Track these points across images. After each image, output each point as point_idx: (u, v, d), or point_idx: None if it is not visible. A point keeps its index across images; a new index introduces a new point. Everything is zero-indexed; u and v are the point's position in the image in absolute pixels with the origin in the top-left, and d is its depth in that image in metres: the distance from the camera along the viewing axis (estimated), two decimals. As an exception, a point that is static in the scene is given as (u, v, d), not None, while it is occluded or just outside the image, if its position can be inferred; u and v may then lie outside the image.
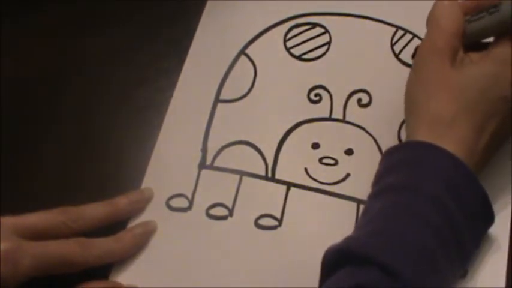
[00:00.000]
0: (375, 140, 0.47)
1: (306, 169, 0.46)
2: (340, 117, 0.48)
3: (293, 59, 0.50)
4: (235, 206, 0.45)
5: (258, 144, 0.47)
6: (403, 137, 0.46)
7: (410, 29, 0.50)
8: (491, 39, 0.41)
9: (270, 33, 0.52)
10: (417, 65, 0.42)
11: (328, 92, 0.49)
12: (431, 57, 0.41)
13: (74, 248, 0.40)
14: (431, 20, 0.43)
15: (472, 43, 0.42)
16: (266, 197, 0.46)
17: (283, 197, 0.45)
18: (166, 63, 0.51)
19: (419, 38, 0.50)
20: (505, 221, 0.42)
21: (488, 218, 0.39)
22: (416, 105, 0.41)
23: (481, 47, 0.42)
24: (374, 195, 0.39)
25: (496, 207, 0.39)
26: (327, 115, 0.48)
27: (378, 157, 0.46)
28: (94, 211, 0.43)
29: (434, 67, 0.40)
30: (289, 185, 0.46)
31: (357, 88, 0.49)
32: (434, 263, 0.35)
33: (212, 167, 0.47)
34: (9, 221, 0.40)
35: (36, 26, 0.54)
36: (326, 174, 0.46)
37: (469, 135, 0.39)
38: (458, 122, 0.39)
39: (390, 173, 0.39)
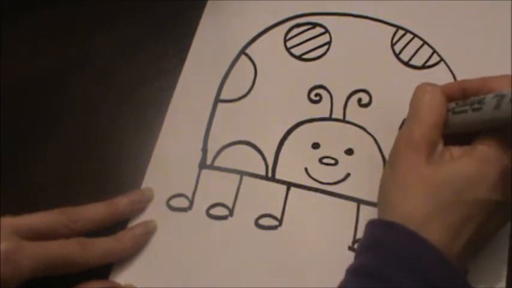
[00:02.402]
0: (375, 140, 0.47)
1: (306, 169, 0.46)
2: (341, 117, 0.48)
3: (293, 59, 0.50)
4: (236, 206, 0.45)
5: (258, 144, 0.47)
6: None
7: (411, 29, 0.50)
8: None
9: (270, 33, 0.52)
10: (392, 157, 0.40)
11: (329, 92, 0.49)
12: (407, 152, 0.39)
13: (74, 248, 0.40)
14: (411, 107, 0.40)
15: (454, 133, 0.39)
16: (266, 197, 0.46)
17: (284, 197, 0.45)
18: (167, 63, 0.51)
19: (419, 38, 0.50)
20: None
21: None
22: (389, 199, 0.39)
23: (464, 139, 0.39)
24: (352, 271, 0.38)
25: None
26: (327, 115, 0.48)
27: (378, 157, 0.46)
28: (94, 211, 0.43)
29: (409, 163, 0.38)
30: (289, 185, 0.46)
31: (357, 88, 0.49)
32: None
33: (212, 167, 0.47)
34: (9, 221, 0.40)
35: (36, 26, 0.54)
36: (326, 174, 0.46)
37: (441, 239, 0.36)
38: (431, 224, 0.36)
39: (368, 252, 0.38)
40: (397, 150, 0.40)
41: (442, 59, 0.49)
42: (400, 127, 0.46)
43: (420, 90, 0.40)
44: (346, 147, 0.47)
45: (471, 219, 0.37)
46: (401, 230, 0.37)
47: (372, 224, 0.39)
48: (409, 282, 0.35)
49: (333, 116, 0.48)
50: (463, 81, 0.41)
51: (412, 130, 0.39)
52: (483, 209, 0.37)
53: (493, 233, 0.40)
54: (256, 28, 0.52)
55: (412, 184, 0.38)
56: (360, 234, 0.44)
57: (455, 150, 0.39)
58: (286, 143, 0.47)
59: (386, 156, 0.46)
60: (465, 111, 0.38)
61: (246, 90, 0.50)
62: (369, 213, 0.44)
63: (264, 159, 0.47)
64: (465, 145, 0.39)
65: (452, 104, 0.40)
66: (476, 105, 0.38)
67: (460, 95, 0.40)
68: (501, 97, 0.36)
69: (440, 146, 0.39)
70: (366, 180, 0.45)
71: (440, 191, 0.37)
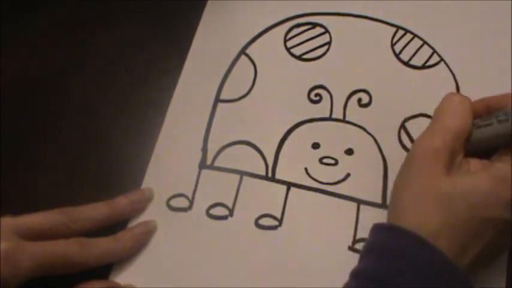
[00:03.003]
0: (375, 140, 0.47)
1: (306, 169, 0.46)
2: (341, 117, 0.48)
3: (293, 59, 0.50)
4: (236, 206, 0.45)
5: (258, 144, 0.47)
6: (403, 138, 0.46)
7: (411, 29, 0.50)
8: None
9: (270, 33, 0.52)
10: (410, 161, 0.39)
11: (329, 92, 0.49)
12: (426, 157, 0.38)
13: (74, 248, 0.40)
14: (436, 114, 0.39)
15: (475, 148, 0.39)
16: (266, 197, 0.46)
17: (284, 197, 0.45)
18: (167, 63, 0.51)
19: (419, 38, 0.50)
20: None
21: None
22: (401, 206, 0.38)
23: (484, 154, 0.38)
24: (356, 274, 0.38)
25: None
26: (327, 115, 0.48)
27: (378, 157, 0.46)
28: (94, 211, 0.43)
29: (426, 170, 0.37)
30: (289, 185, 0.46)
31: (357, 88, 0.49)
32: None
33: (212, 167, 0.47)
34: (9, 221, 0.40)
35: (36, 26, 0.54)
36: (326, 174, 0.46)
37: (450, 253, 0.35)
38: (441, 237, 0.35)
39: (372, 255, 0.38)
40: (416, 154, 0.39)
41: (442, 59, 0.49)
42: (400, 127, 0.46)
43: (448, 99, 0.40)
44: (346, 147, 0.46)
45: (481, 236, 0.36)
46: (406, 234, 0.36)
47: (376, 228, 0.39)
48: (412, 286, 0.35)
49: (333, 116, 0.48)
50: (486, 98, 0.40)
51: (434, 135, 0.38)
52: (494, 227, 0.36)
53: (501, 251, 0.39)
54: (256, 28, 0.52)
55: (427, 192, 0.37)
56: (360, 234, 0.44)
57: (474, 164, 0.38)
58: (286, 143, 0.47)
59: (387, 156, 0.46)
60: (490, 124, 0.38)
61: (246, 90, 0.50)
62: (369, 213, 0.44)
63: (264, 159, 0.47)
64: (484, 159, 0.38)
65: (477, 120, 0.39)
66: (502, 117, 0.37)
67: (485, 112, 0.40)
68: None
69: (460, 157, 0.38)
70: (366, 180, 0.45)
71: (455, 205, 0.36)
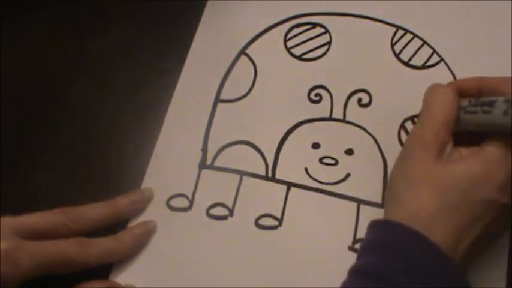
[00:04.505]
0: (375, 140, 0.47)
1: (306, 169, 0.46)
2: (341, 117, 0.48)
3: (293, 59, 0.50)
4: (236, 206, 0.45)
5: (258, 144, 0.47)
6: (403, 138, 0.46)
7: (411, 29, 0.50)
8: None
9: (270, 33, 0.52)
10: (403, 154, 0.40)
11: (329, 92, 0.49)
12: (418, 150, 0.39)
13: (74, 247, 0.40)
14: (423, 106, 0.41)
15: (465, 132, 0.39)
16: (266, 197, 0.46)
17: (284, 197, 0.45)
18: (167, 63, 0.51)
19: (419, 38, 0.50)
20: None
21: None
22: (397, 196, 0.39)
23: (474, 140, 0.39)
24: (354, 272, 0.38)
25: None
26: (327, 115, 0.48)
27: (378, 157, 0.46)
28: (94, 211, 0.43)
29: (419, 161, 0.38)
30: (289, 185, 0.46)
31: (357, 88, 0.49)
32: None
33: (212, 167, 0.47)
34: (9, 221, 0.40)
35: (36, 26, 0.54)
36: (326, 174, 0.46)
37: (447, 239, 0.36)
38: (437, 223, 0.36)
39: (369, 252, 0.38)
40: (408, 147, 0.40)
41: (442, 59, 0.49)
42: (400, 127, 0.47)
43: (432, 90, 0.41)
44: (346, 147, 0.47)
45: (477, 219, 0.37)
46: (402, 230, 0.37)
47: (373, 225, 0.39)
48: (409, 281, 0.35)
49: (333, 116, 0.48)
50: (481, 78, 0.41)
51: (424, 128, 0.39)
52: (489, 210, 0.37)
53: (498, 234, 0.40)
54: (256, 28, 0.52)
55: (420, 182, 0.38)
56: (360, 234, 0.44)
57: (464, 151, 0.39)
58: (286, 143, 0.47)
59: (387, 156, 0.46)
60: (475, 112, 0.38)
61: (246, 90, 0.50)
62: (369, 213, 0.44)
63: (264, 159, 0.47)
64: (474, 146, 0.39)
65: (465, 102, 0.39)
66: (486, 108, 0.37)
67: (476, 91, 0.40)
68: (511, 103, 0.36)
69: (450, 146, 0.39)
70: (366, 180, 0.45)
71: (448, 191, 0.37)
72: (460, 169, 0.37)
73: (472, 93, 0.40)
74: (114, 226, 0.44)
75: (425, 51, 0.49)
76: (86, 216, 0.42)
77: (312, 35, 0.51)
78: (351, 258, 0.40)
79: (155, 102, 0.50)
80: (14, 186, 0.47)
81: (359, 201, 0.45)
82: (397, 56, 0.49)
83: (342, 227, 0.44)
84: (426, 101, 0.41)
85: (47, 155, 0.49)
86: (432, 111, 0.39)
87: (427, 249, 0.36)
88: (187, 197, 0.46)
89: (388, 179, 0.41)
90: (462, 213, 0.36)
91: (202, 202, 0.46)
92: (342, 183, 0.46)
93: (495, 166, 0.37)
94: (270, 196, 0.46)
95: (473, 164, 0.37)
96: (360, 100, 0.48)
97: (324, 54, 0.50)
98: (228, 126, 0.48)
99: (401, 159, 0.40)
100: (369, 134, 0.47)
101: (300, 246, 0.44)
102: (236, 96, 0.49)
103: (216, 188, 0.46)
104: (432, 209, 0.37)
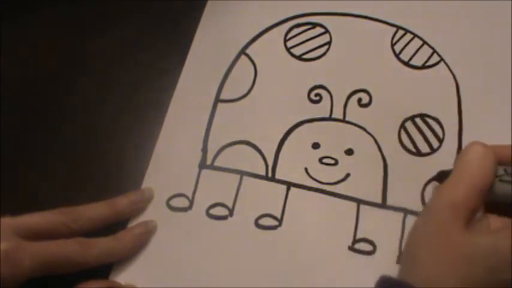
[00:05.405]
0: (375, 140, 0.47)
1: (306, 169, 0.46)
2: (341, 117, 0.48)
3: (293, 59, 0.50)
4: (236, 206, 0.45)
5: (258, 144, 0.47)
6: (403, 138, 0.46)
7: (411, 29, 0.50)
8: None
9: (270, 33, 0.52)
10: (428, 212, 0.37)
11: (329, 92, 0.49)
12: (445, 212, 0.36)
13: (74, 247, 0.40)
14: (458, 163, 0.37)
15: (495, 201, 0.37)
16: (266, 197, 0.46)
17: (284, 197, 0.45)
18: (167, 63, 0.51)
19: (419, 38, 0.50)
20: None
21: None
22: (416, 257, 0.36)
23: (506, 210, 0.36)
24: None
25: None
26: (327, 115, 0.48)
27: (378, 157, 0.46)
28: (94, 211, 0.43)
29: (445, 225, 0.35)
30: (289, 185, 0.46)
31: (357, 88, 0.48)
32: None
33: (212, 167, 0.47)
34: (9, 221, 0.40)
35: (36, 26, 0.54)
36: (326, 174, 0.46)
37: None
38: None
39: None
40: (434, 207, 0.37)
41: (442, 59, 0.49)
42: (400, 127, 0.46)
43: (473, 150, 0.37)
44: (346, 147, 0.46)
45: None
46: None
47: (384, 281, 0.37)
48: None
49: (333, 116, 0.48)
50: None
51: (455, 189, 0.36)
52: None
53: None
54: (256, 28, 0.52)
55: (444, 249, 0.35)
56: (359, 234, 0.44)
57: (495, 221, 0.36)
58: (286, 143, 0.47)
59: (387, 156, 0.46)
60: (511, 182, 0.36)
61: (246, 90, 0.50)
62: (368, 213, 0.44)
63: (264, 159, 0.47)
64: (505, 216, 0.36)
65: (501, 170, 0.37)
66: None
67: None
68: None
69: (480, 213, 0.37)
70: (366, 180, 0.45)
71: (472, 267, 0.34)
72: (488, 244, 0.34)
73: (506, 162, 0.38)
74: (114, 226, 0.44)
75: (425, 51, 0.49)
76: (86, 216, 0.42)
77: (312, 35, 0.51)
78: (351, 258, 0.40)
79: (155, 102, 0.50)
80: (14, 186, 0.47)
81: (359, 201, 0.45)
82: (397, 56, 0.49)
83: (341, 227, 0.44)
84: (462, 160, 0.37)
85: (47, 155, 0.49)
86: (467, 173, 0.37)
87: None
88: (187, 197, 0.46)
89: (409, 233, 0.39)
90: None
91: (202, 202, 0.46)
92: (342, 183, 0.46)
93: None
94: (270, 196, 0.46)
95: (503, 240, 0.34)
96: (360, 100, 0.48)
97: (324, 54, 0.50)
98: (228, 126, 0.48)
99: (425, 217, 0.38)
100: (369, 134, 0.47)
101: (299, 246, 0.44)
102: (236, 96, 0.49)
103: (216, 188, 0.46)
104: (452, 282, 0.34)
